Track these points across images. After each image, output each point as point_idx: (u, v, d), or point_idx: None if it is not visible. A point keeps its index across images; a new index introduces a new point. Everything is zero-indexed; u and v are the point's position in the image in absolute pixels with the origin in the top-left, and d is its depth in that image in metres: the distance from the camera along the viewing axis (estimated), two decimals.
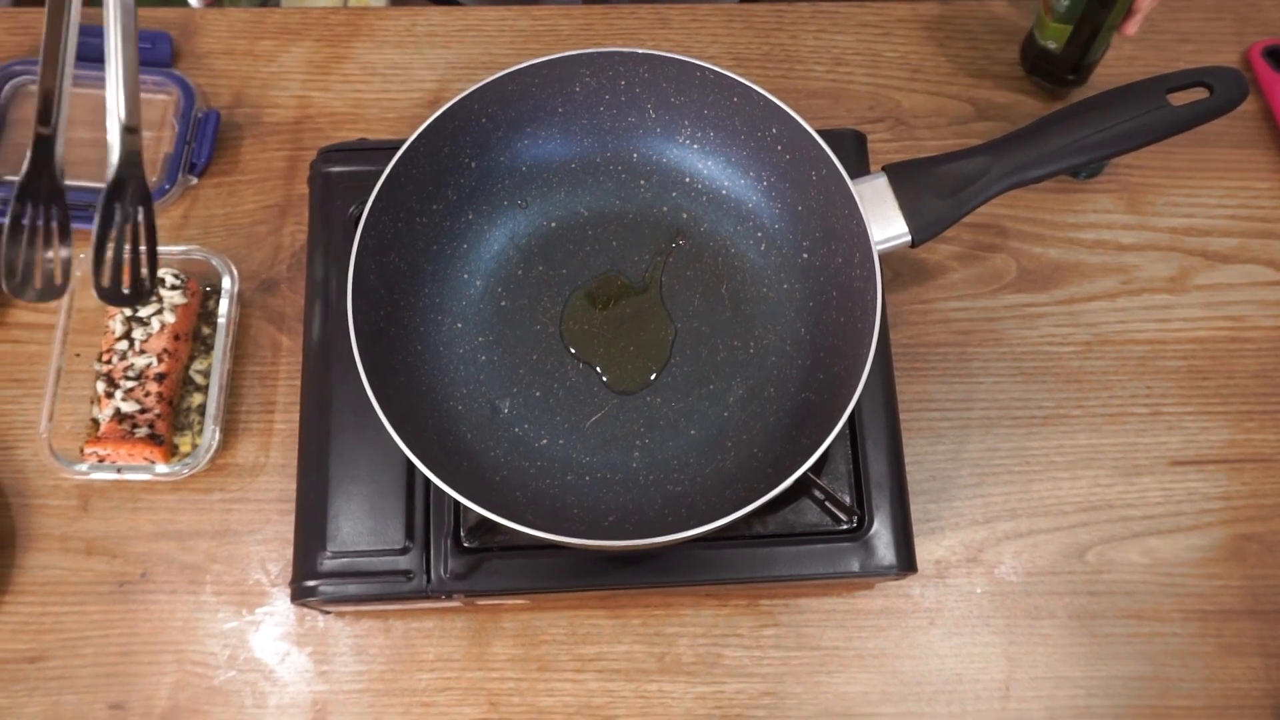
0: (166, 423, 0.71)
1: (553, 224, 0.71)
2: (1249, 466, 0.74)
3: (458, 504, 0.64)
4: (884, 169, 0.64)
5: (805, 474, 0.57)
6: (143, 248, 0.62)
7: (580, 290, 0.69)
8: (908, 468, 0.68)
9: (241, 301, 0.76)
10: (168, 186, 0.77)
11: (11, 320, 0.76)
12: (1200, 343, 0.77)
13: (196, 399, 0.73)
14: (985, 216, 0.80)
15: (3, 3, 0.97)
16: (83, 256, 0.71)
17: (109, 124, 0.62)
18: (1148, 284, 0.79)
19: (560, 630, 0.70)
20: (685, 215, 0.71)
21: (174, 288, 0.73)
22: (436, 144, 0.65)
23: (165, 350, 0.71)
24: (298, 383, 0.71)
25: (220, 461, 0.73)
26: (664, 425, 0.66)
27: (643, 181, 0.71)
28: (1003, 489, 0.73)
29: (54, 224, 0.62)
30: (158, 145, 0.79)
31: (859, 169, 0.73)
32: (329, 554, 0.64)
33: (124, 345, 0.72)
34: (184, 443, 0.72)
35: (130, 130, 0.63)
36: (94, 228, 0.61)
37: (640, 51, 0.66)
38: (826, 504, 0.66)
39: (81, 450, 0.70)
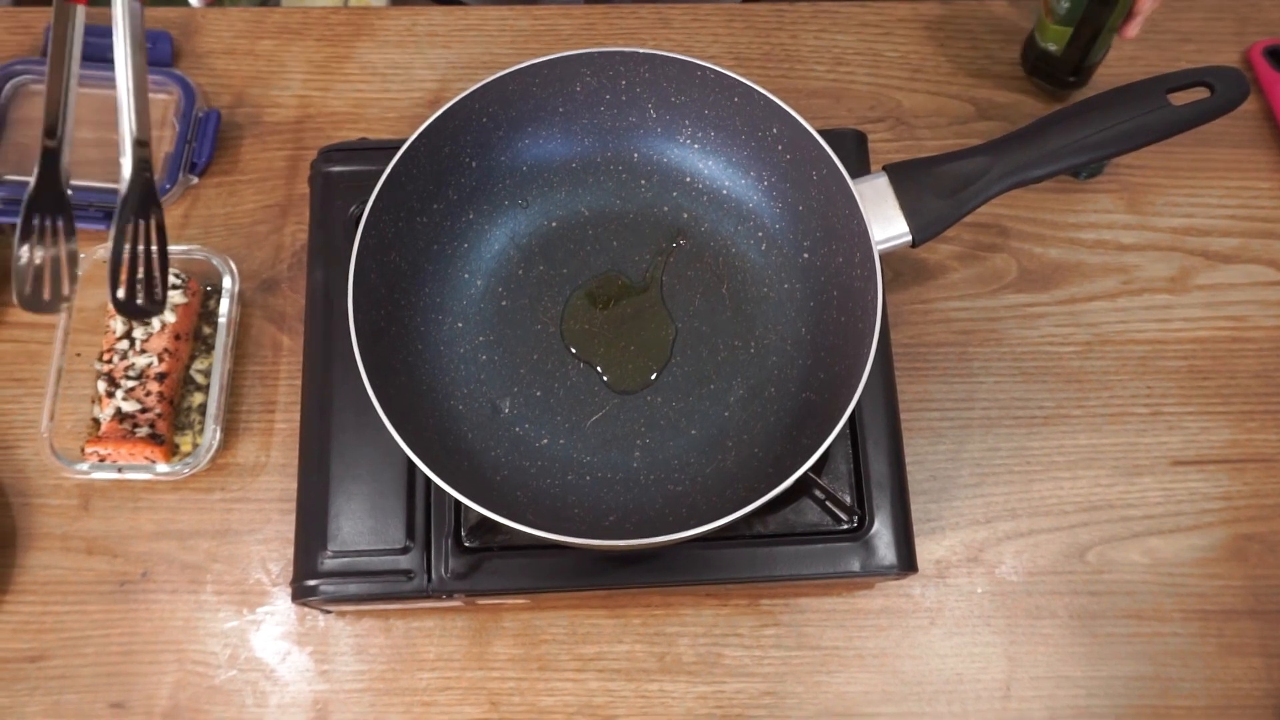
0: (167, 422, 0.71)
1: (553, 224, 0.71)
2: (1250, 466, 0.74)
3: (458, 503, 0.64)
4: (885, 169, 0.64)
5: (806, 474, 0.57)
6: (155, 261, 0.64)
7: (581, 290, 0.69)
8: (908, 467, 0.68)
9: (242, 301, 0.76)
10: (168, 186, 0.77)
11: (12, 319, 0.76)
12: (1201, 343, 0.77)
13: (197, 398, 0.73)
14: (986, 216, 0.80)
15: (3, 2, 0.97)
16: (83, 256, 0.71)
17: (121, 139, 0.64)
18: (1148, 284, 0.79)
19: (561, 630, 0.70)
20: (686, 215, 0.71)
21: (175, 287, 0.73)
22: (437, 143, 0.65)
23: (166, 350, 0.71)
24: (298, 382, 0.71)
25: (221, 461, 0.73)
26: (665, 425, 0.66)
27: (643, 181, 0.71)
28: (1003, 489, 0.73)
29: (60, 236, 0.64)
30: (158, 145, 0.79)
31: (860, 169, 0.73)
32: (330, 553, 0.64)
33: (125, 345, 0.72)
34: (185, 442, 0.72)
35: (141, 144, 0.64)
36: (109, 243, 0.63)
37: (641, 51, 0.66)
38: (827, 504, 0.66)
39: (82, 450, 0.70)
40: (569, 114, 0.69)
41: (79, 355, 0.73)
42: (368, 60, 0.84)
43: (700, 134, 0.70)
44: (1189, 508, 0.73)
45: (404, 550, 0.64)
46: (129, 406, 0.70)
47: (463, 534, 0.65)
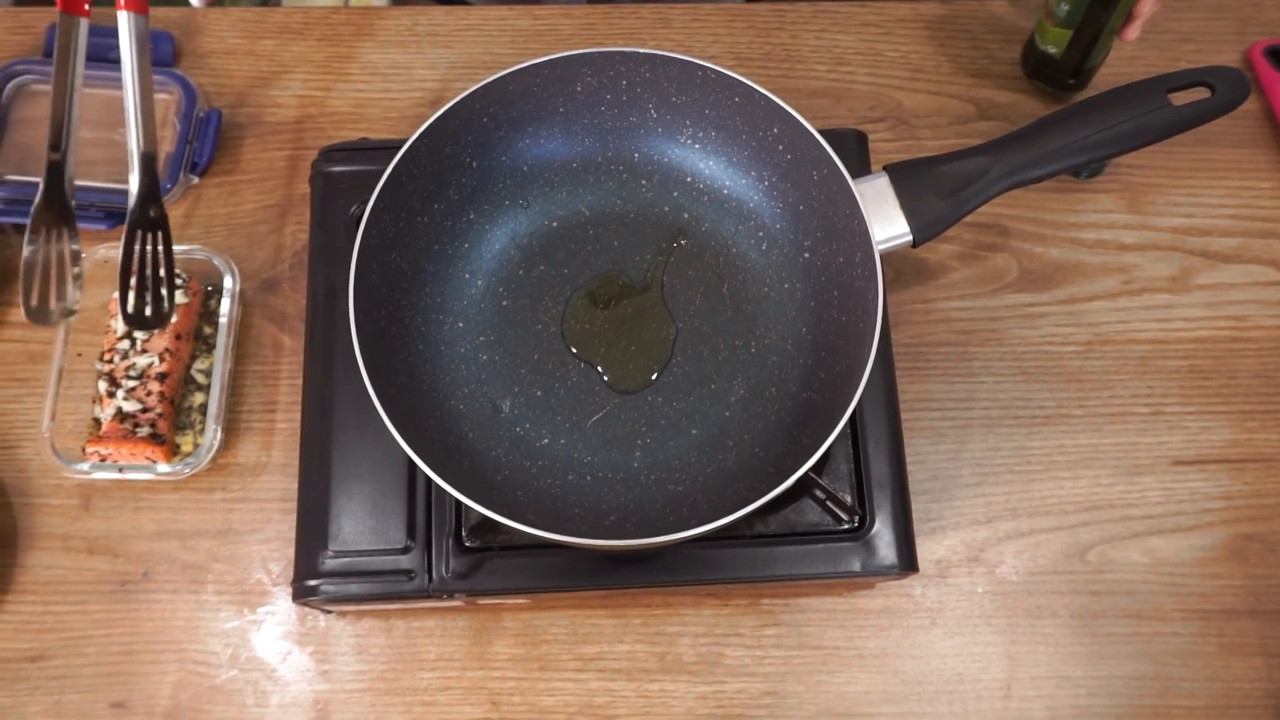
0: (168, 422, 0.71)
1: (554, 223, 0.71)
2: (1250, 466, 0.74)
3: (459, 503, 0.64)
4: (885, 168, 0.64)
5: (806, 473, 0.57)
6: (162, 275, 0.66)
7: (582, 290, 0.69)
8: (909, 467, 0.68)
9: (243, 301, 0.76)
10: (169, 186, 0.77)
11: (13, 319, 0.76)
12: (1201, 342, 0.77)
13: (198, 398, 0.73)
14: (986, 216, 0.80)
15: (4, 2, 0.97)
16: (84, 255, 0.71)
17: (130, 154, 0.66)
18: (1149, 284, 0.79)
19: (561, 630, 0.70)
20: (687, 215, 0.71)
21: (176, 287, 0.73)
22: (438, 143, 0.65)
23: (167, 349, 0.71)
24: (299, 382, 0.71)
25: (222, 461, 0.73)
26: (665, 425, 0.66)
27: (644, 181, 0.71)
28: (1004, 488, 0.73)
29: (65, 248, 0.66)
30: (160, 145, 0.79)
31: (860, 168, 0.73)
32: (330, 553, 0.64)
33: (126, 345, 0.72)
34: (186, 442, 0.72)
35: (148, 159, 0.64)
36: (119, 257, 0.66)
37: (642, 51, 0.66)
38: (828, 503, 0.66)
39: (83, 449, 0.70)
40: (570, 114, 0.69)
41: (80, 355, 0.73)
42: (368, 60, 0.84)
43: (701, 134, 0.70)
44: (1189, 507, 0.73)
45: (405, 550, 0.64)
46: (130, 406, 0.70)
47: (463, 534, 0.65)
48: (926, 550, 0.71)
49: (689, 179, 0.71)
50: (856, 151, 0.73)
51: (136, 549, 0.71)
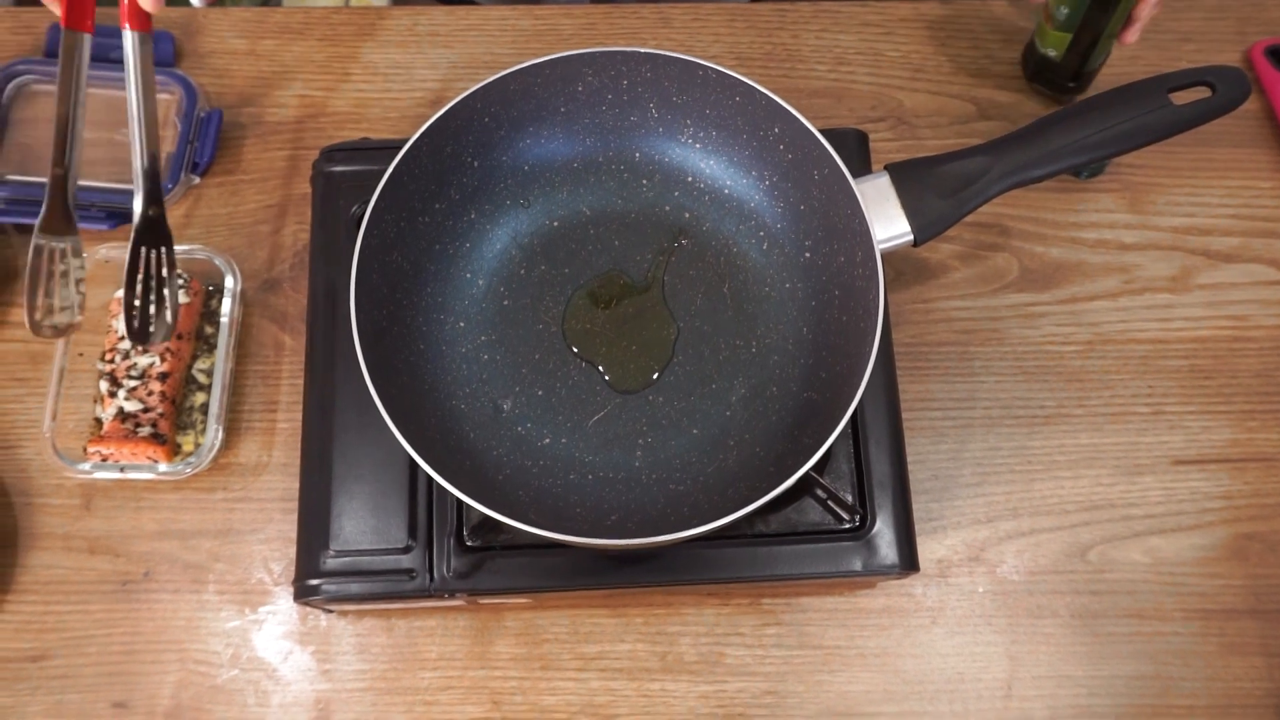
0: (169, 422, 0.71)
1: (555, 223, 0.71)
2: (1251, 466, 0.74)
3: (460, 503, 0.64)
4: (886, 168, 0.64)
5: (807, 473, 0.57)
6: (166, 289, 0.67)
7: (583, 289, 0.69)
8: (910, 467, 0.68)
9: (244, 301, 0.76)
10: (170, 186, 0.77)
11: (14, 320, 0.76)
12: (1202, 342, 0.77)
13: (199, 398, 0.73)
14: (987, 216, 0.80)
15: (5, 1, 0.98)
16: (85, 255, 0.70)
17: (135, 174, 0.66)
18: (1149, 283, 0.79)
19: (563, 629, 0.70)
20: (687, 214, 0.71)
21: (178, 287, 0.73)
22: (439, 143, 0.65)
23: (168, 349, 0.71)
24: (300, 382, 0.71)
25: (223, 461, 0.73)
26: (666, 424, 0.66)
27: (645, 181, 0.71)
28: (1005, 488, 0.73)
29: (69, 259, 0.67)
30: (161, 145, 0.79)
31: (861, 168, 0.73)
32: (332, 553, 0.64)
33: (127, 344, 0.72)
34: (187, 442, 0.72)
35: (152, 176, 0.66)
36: (123, 273, 0.66)
37: (643, 51, 0.66)
38: (829, 503, 0.66)
39: (84, 449, 0.70)
40: (571, 113, 0.69)
41: (81, 355, 0.73)
42: (369, 60, 0.84)
43: (702, 133, 0.70)
44: (1190, 507, 0.73)
45: (406, 550, 0.64)
46: (131, 406, 0.70)
47: (465, 533, 0.65)
48: (927, 550, 0.71)
49: (690, 179, 0.71)
50: (857, 151, 0.73)
51: (138, 549, 0.71)
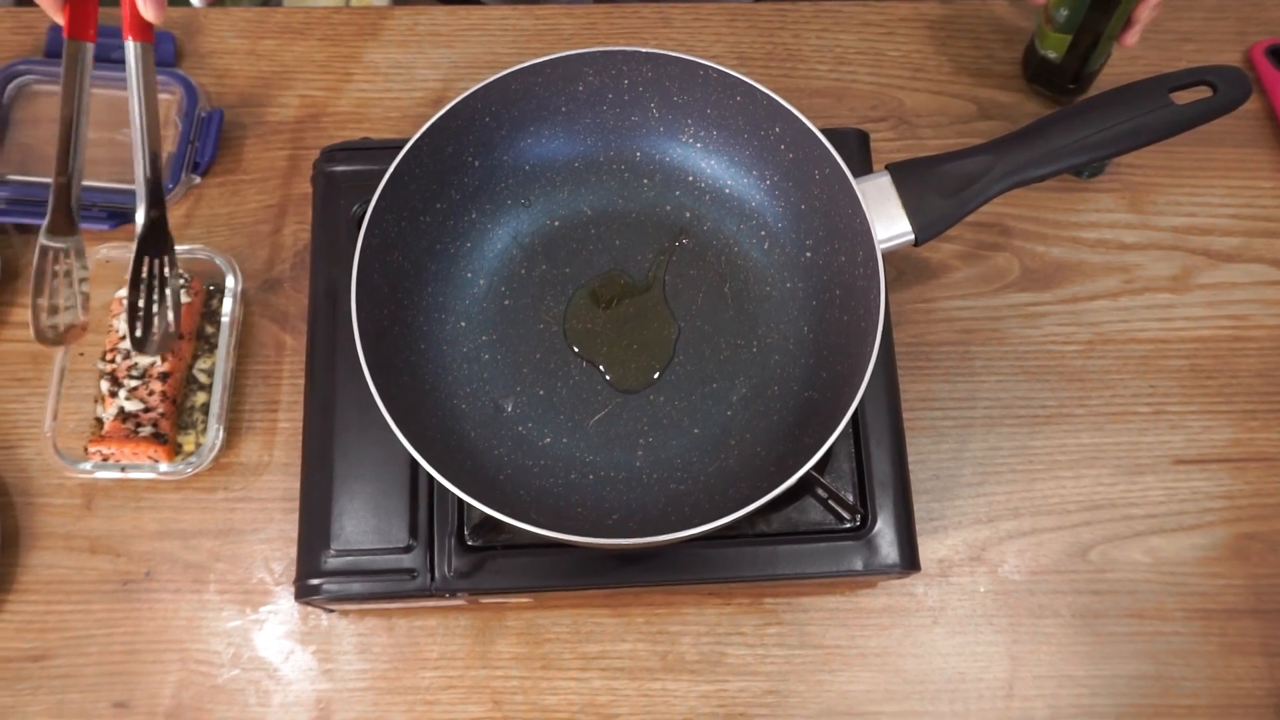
0: (170, 421, 0.71)
1: (556, 223, 0.71)
2: (1252, 465, 0.74)
3: (461, 502, 0.64)
4: (887, 168, 0.64)
5: (808, 472, 0.57)
6: (169, 298, 0.67)
7: (583, 289, 0.69)
8: (911, 466, 0.68)
9: (245, 300, 0.76)
10: (171, 186, 0.77)
11: (15, 319, 0.76)
12: (1203, 342, 0.77)
13: (200, 398, 0.73)
14: (988, 215, 0.80)
15: (6, 1, 0.98)
16: (88, 262, 0.71)
17: (138, 184, 0.67)
18: (1150, 283, 0.79)
19: (564, 629, 0.70)
20: (688, 214, 0.71)
21: (178, 287, 0.73)
22: (440, 143, 0.65)
23: (169, 349, 0.71)
24: (301, 381, 0.71)
25: (224, 460, 0.73)
26: (667, 424, 0.66)
27: (646, 180, 0.71)
28: (1006, 488, 0.73)
29: (73, 272, 0.67)
30: (161, 145, 0.79)
31: (862, 168, 0.73)
32: (333, 552, 0.64)
33: (128, 344, 0.72)
34: (188, 441, 0.72)
35: (155, 186, 0.67)
36: (126, 282, 0.67)
37: (643, 50, 0.66)
38: (830, 502, 0.66)
39: (85, 449, 0.70)
40: (571, 113, 0.69)
41: (82, 355, 0.73)
42: (370, 60, 0.84)
43: (703, 133, 0.70)
44: (1191, 507, 0.73)
45: (407, 549, 0.64)
46: (132, 406, 0.70)
47: (465, 533, 0.65)
48: (928, 549, 0.71)
49: (691, 178, 0.71)
50: (858, 151, 0.73)
51: (138, 548, 0.71)
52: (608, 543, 0.57)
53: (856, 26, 0.86)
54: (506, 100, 0.67)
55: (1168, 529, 0.72)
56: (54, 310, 0.66)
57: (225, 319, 0.73)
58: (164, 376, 0.71)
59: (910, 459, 0.68)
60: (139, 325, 0.66)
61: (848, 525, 0.66)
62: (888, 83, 0.84)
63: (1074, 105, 0.64)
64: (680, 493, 0.64)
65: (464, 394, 0.66)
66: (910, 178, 0.64)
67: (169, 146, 0.78)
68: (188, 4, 0.94)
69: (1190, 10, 0.86)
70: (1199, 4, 0.87)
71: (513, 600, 0.69)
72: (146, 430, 0.70)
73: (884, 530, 0.65)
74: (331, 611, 0.69)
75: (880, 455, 0.67)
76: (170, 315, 0.67)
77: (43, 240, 0.66)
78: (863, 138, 0.74)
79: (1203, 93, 0.63)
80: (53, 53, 0.81)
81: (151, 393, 0.71)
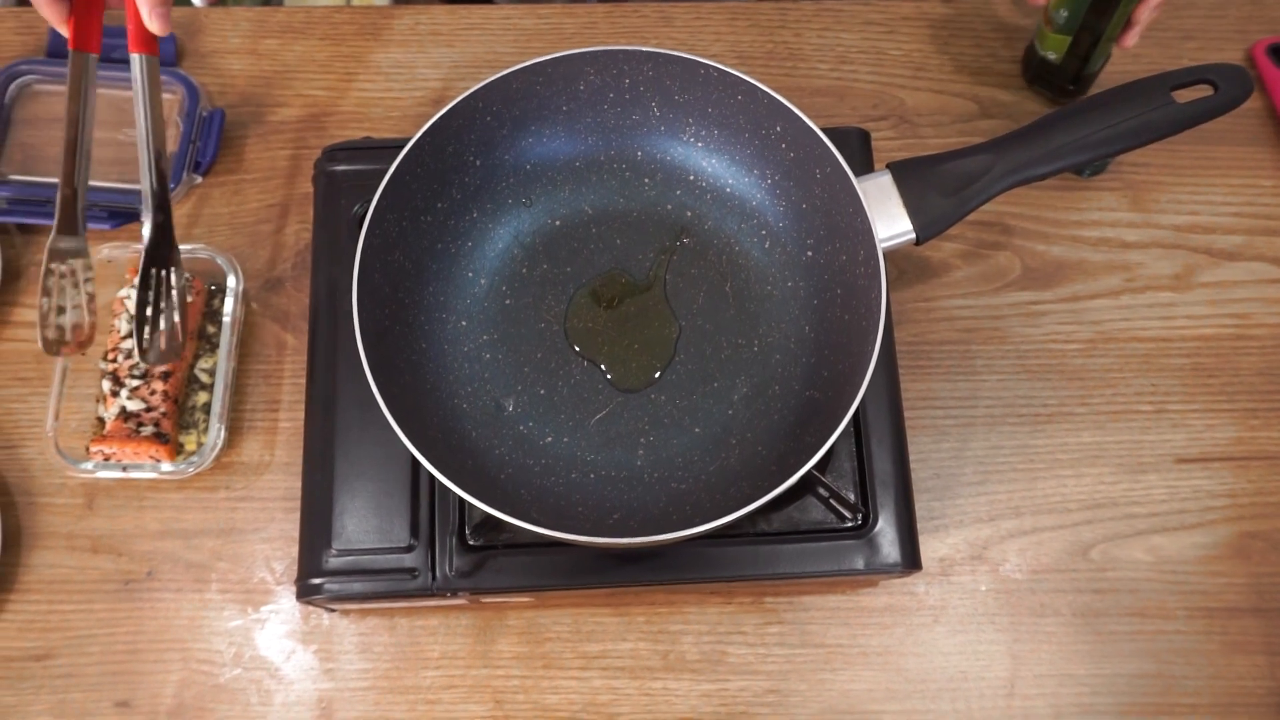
0: (172, 421, 0.71)
1: (557, 222, 0.71)
2: (1254, 464, 0.74)
3: (462, 502, 0.64)
4: (888, 167, 0.64)
5: (810, 471, 0.57)
6: (175, 308, 0.67)
7: (584, 288, 0.69)
8: (912, 465, 0.68)
9: (246, 300, 0.76)
10: (173, 186, 0.77)
11: (17, 319, 0.76)
12: (1205, 340, 0.77)
13: (202, 397, 0.73)
14: (989, 214, 0.80)
15: (6, 1, 0.98)
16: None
17: (144, 196, 0.67)
18: (1152, 281, 0.79)
19: (565, 628, 0.70)
20: (689, 213, 0.71)
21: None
22: (441, 142, 0.65)
23: None
24: (302, 381, 0.71)
25: (225, 460, 0.73)
26: (668, 423, 0.66)
27: (647, 179, 0.71)
28: (1007, 486, 0.73)
29: (80, 279, 0.67)
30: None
31: (863, 167, 0.73)
32: (334, 552, 0.64)
33: (129, 344, 0.72)
34: (189, 441, 0.72)
35: (160, 196, 0.67)
36: (127, 282, 0.69)
37: (644, 49, 0.66)
38: (831, 501, 0.66)
39: (87, 449, 0.70)
40: (572, 112, 0.69)
41: (84, 354, 0.72)
42: (371, 59, 0.84)
43: (704, 132, 0.70)
44: (1193, 505, 0.73)
45: (408, 549, 0.64)
46: (134, 405, 0.70)
47: (467, 532, 0.65)
48: (929, 548, 0.71)
49: (692, 177, 0.71)
50: (859, 150, 0.73)
51: (140, 548, 0.71)
52: (609, 542, 0.57)
53: (858, 25, 0.86)
54: (508, 99, 0.67)
55: (1169, 528, 0.72)
56: (60, 321, 0.67)
57: (227, 319, 0.73)
58: (165, 376, 0.71)
59: (911, 458, 0.68)
60: (146, 334, 0.66)
61: (849, 524, 0.66)
62: (889, 82, 0.84)
63: (1075, 104, 0.64)
64: (681, 492, 0.64)
65: (465, 393, 0.66)
66: (911, 177, 0.63)
67: (170, 146, 0.78)
68: (189, 3, 0.94)
69: (1191, 8, 0.86)
70: (1200, 2, 0.87)
71: (514, 599, 0.69)
72: (148, 430, 0.70)
73: (885, 529, 0.65)
74: (333, 611, 0.70)
75: (881, 454, 0.67)
76: (176, 319, 0.67)
77: (49, 255, 0.66)
78: (864, 137, 0.74)
79: (1204, 91, 0.63)
80: (54, 53, 0.81)
81: (153, 392, 0.71)
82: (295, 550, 0.67)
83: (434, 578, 0.64)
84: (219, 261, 0.74)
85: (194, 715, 0.68)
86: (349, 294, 0.60)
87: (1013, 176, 0.63)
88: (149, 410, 0.70)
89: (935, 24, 0.86)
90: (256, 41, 0.84)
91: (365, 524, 0.65)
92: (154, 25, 0.63)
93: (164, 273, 0.67)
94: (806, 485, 0.66)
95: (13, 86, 0.80)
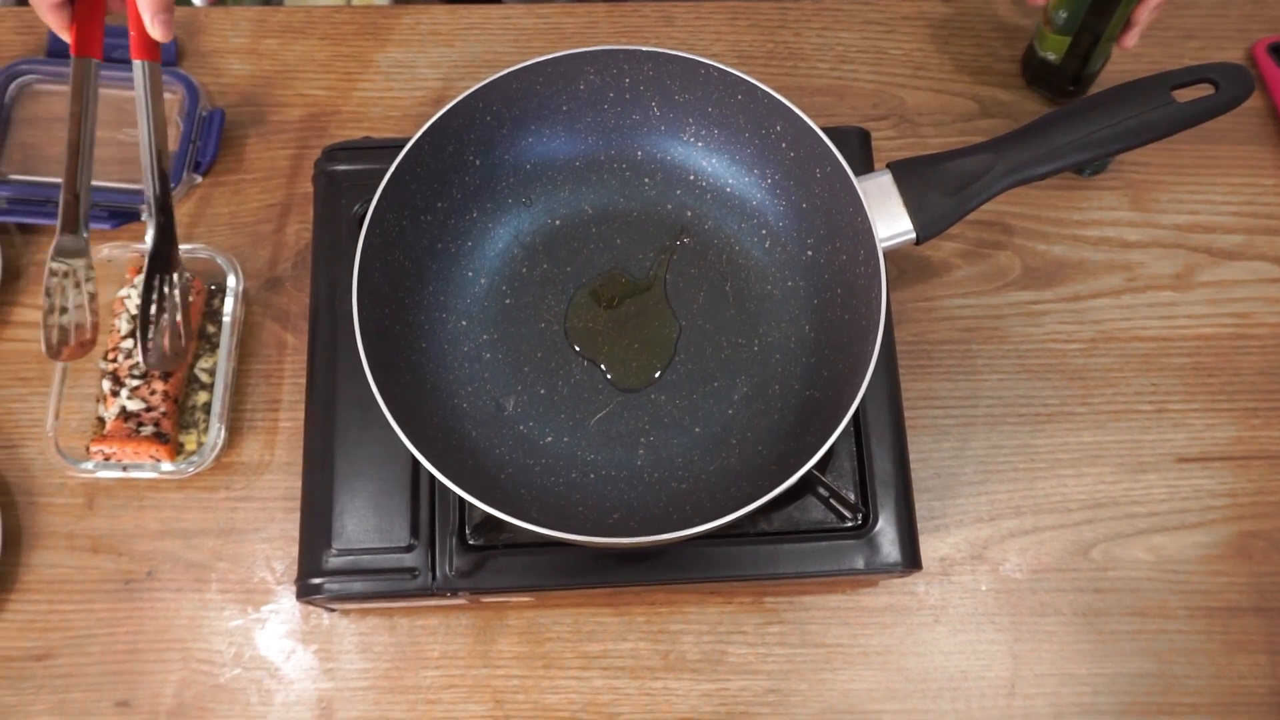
0: (172, 421, 0.71)
1: (557, 222, 0.71)
2: (1255, 463, 0.74)
3: (463, 501, 0.64)
4: (888, 166, 0.64)
5: (810, 471, 0.57)
6: (179, 314, 0.68)
7: (585, 288, 0.69)
8: (912, 465, 0.68)
9: (246, 300, 0.76)
10: (173, 186, 0.77)
11: (17, 319, 0.76)
12: (1205, 339, 0.77)
13: (202, 397, 0.73)
14: (990, 213, 0.80)
15: (6, 1, 0.98)
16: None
17: (148, 202, 0.67)
18: (1153, 281, 0.78)
19: (565, 628, 0.70)
20: (689, 213, 0.71)
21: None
22: (441, 142, 0.65)
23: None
24: (302, 381, 0.71)
25: (225, 460, 0.73)
26: (668, 423, 0.66)
27: (647, 179, 0.71)
28: (1007, 486, 0.73)
29: (82, 285, 0.68)
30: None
31: (863, 166, 0.73)
32: (334, 552, 0.64)
33: (129, 344, 0.72)
34: (189, 441, 0.72)
35: (164, 204, 0.67)
36: (134, 293, 0.70)
37: (644, 49, 0.66)
38: (831, 501, 0.66)
39: (87, 448, 0.70)
40: (572, 112, 0.69)
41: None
42: (371, 59, 0.84)
43: (704, 132, 0.70)
44: (1194, 505, 0.73)
45: (408, 548, 0.64)
46: (134, 405, 0.70)
47: (467, 532, 0.65)
48: (930, 548, 0.71)
49: (692, 177, 0.71)
50: (859, 149, 0.73)
51: (140, 548, 0.71)
52: (609, 542, 0.57)
53: (858, 25, 0.86)
54: (507, 99, 0.67)
55: (1170, 527, 0.72)
56: (63, 321, 0.67)
57: (227, 318, 0.73)
58: (166, 376, 0.71)
59: (912, 457, 0.68)
60: (150, 341, 0.66)
61: (849, 524, 0.66)
62: (889, 81, 0.84)
63: (1076, 103, 0.64)
64: (681, 491, 0.64)
65: (465, 393, 0.66)
66: (911, 176, 0.63)
67: (170, 146, 0.78)
68: (189, 3, 0.94)
69: (1193, 8, 0.86)
70: (1201, 1, 0.87)
71: (514, 599, 0.69)
72: (148, 430, 0.70)
73: (885, 529, 0.65)
74: (333, 611, 0.70)
75: (882, 454, 0.67)
76: (180, 324, 0.67)
77: (51, 262, 0.66)
78: (864, 136, 0.74)
79: (1205, 90, 0.63)
80: (54, 52, 0.81)
81: (153, 392, 0.71)
82: (295, 550, 0.67)
83: (434, 577, 0.64)
84: (219, 261, 0.74)
85: (194, 715, 0.68)
86: (349, 293, 0.60)
87: (1013, 176, 0.63)
88: (149, 410, 0.70)
89: (935, 23, 0.86)
90: (257, 41, 0.84)
91: (365, 524, 0.65)
92: (157, 32, 0.63)
93: (167, 278, 0.67)
94: (806, 485, 0.66)
95: (13, 86, 0.80)
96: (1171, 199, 0.81)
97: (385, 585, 0.64)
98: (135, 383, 0.71)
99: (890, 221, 0.63)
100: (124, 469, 0.69)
